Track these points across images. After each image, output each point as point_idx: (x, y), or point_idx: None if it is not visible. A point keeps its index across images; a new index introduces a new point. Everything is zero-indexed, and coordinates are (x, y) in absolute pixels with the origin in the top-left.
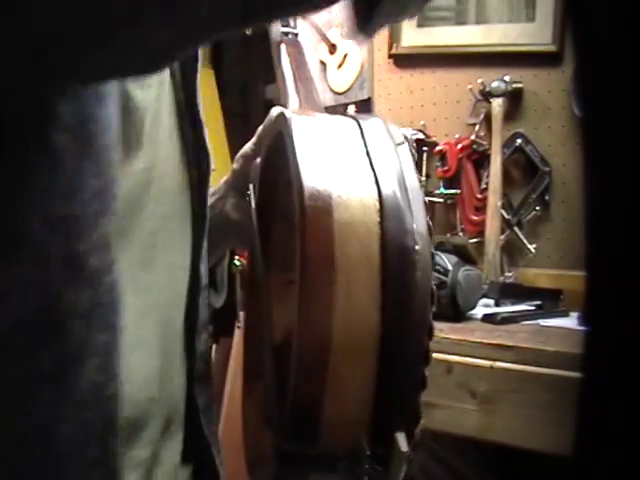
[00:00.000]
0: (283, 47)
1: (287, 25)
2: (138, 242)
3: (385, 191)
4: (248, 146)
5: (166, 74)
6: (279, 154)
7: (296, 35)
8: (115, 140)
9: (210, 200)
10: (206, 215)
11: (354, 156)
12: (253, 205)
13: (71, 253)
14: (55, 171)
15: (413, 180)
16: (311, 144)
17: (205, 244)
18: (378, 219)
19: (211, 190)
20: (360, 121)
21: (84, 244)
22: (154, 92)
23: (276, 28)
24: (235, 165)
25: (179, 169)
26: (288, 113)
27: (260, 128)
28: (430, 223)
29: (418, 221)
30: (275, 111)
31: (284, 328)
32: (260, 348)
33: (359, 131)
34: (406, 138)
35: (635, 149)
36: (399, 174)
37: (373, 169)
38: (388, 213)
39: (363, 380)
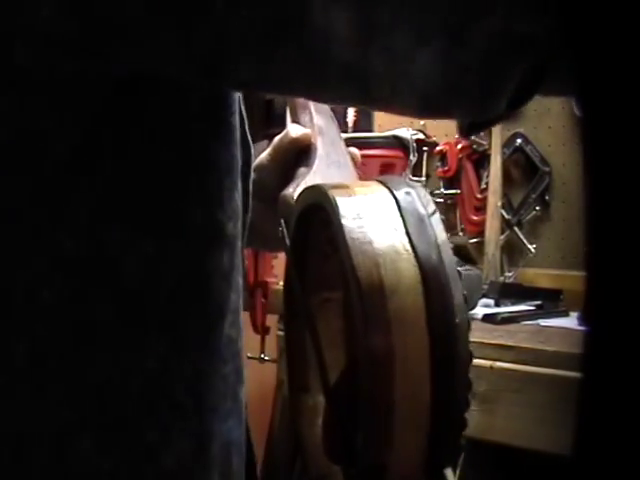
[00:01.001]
0: None
1: None
2: None
3: (428, 270)
4: (264, 158)
5: None
6: (315, 222)
7: None
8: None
9: None
10: (249, 208)
11: (397, 238)
12: (287, 241)
13: (214, 221)
14: (190, 146)
15: (448, 252)
16: (358, 232)
17: (246, 232)
18: (424, 301)
19: None
20: (395, 193)
21: (223, 213)
22: None
23: None
24: (254, 176)
25: None
26: (330, 192)
27: (277, 140)
28: (464, 293)
29: (456, 294)
30: (293, 131)
31: (326, 344)
32: (304, 368)
33: (396, 207)
34: (435, 204)
35: (635, 149)
36: (436, 248)
37: (414, 249)
38: (432, 293)
39: (421, 442)
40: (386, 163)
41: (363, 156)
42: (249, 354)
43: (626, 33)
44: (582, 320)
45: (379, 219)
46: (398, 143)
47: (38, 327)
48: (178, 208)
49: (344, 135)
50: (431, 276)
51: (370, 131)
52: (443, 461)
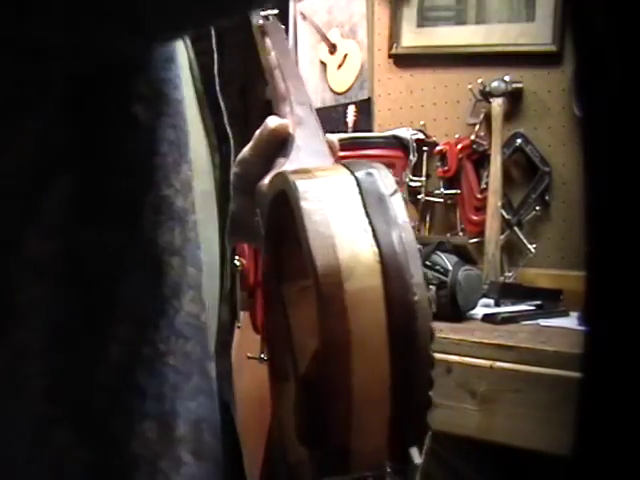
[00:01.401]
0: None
1: (266, 7)
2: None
3: (386, 250)
4: (246, 151)
5: (185, 68)
6: (285, 210)
7: (275, 16)
8: (183, 95)
9: None
10: (230, 197)
11: (356, 219)
12: (262, 232)
13: (161, 197)
14: (137, 128)
15: (408, 231)
16: (317, 215)
17: (228, 222)
18: (382, 281)
19: None
20: (356, 174)
21: (169, 188)
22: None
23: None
24: (236, 169)
25: (206, 152)
26: (291, 177)
27: (257, 133)
28: (424, 270)
29: (415, 272)
30: (271, 122)
31: (305, 332)
32: (284, 356)
33: (357, 188)
34: (398, 183)
35: (635, 149)
36: (395, 228)
37: (373, 229)
38: (390, 273)
39: (382, 423)
40: (386, 163)
41: (363, 156)
42: (249, 354)
43: (626, 33)
44: (582, 320)
45: (339, 201)
46: (398, 143)
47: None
48: (127, 188)
49: (344, 135)
50: (389, 256)
51: (370, 131)
52: (407, 441)
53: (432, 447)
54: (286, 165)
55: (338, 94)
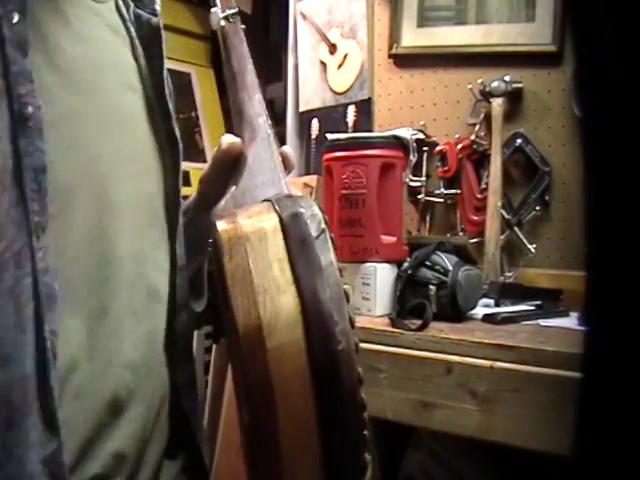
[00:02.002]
0: (228, 35)
1: (227, 6)
2: (130, 215)
3: (308, 300)
4: (206, 171)
5: (135, 76)
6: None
7: (235, 15)
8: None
9: (186, 215)
10: (179, 200)
11: (279, 270)
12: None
13: None
14: None
15: (333, 275)
16: (240, 272)
17: (180, 227)
18: (303, 333)
19: (183, 206)
20: (282, 217)
21: None
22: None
23: (216, 15)
24: (200, 188)
25: (153, 156)
26: (218, 229)
27: (214, 152)
28: (351, 314)
29: (340, 318)
30: (224, 142)
31: None
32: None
33: (281, 234)
34: (325, 222)
35: (634, 149)
36: (320, 274)
37: (296, 279)
38: (311, 325)
39: (313, 465)
40: (386, 163)
41: (363, 156)
42: None
43: (626, 33)
44: (582, 320)
45: (262, 253)
46: (398, 143)
47: None
48: None
49: (344, 135)
50: (311, 306)
51: (370, 131)
52: None
53: (432, 447)
54: (228, 198)
55: (338, 94)
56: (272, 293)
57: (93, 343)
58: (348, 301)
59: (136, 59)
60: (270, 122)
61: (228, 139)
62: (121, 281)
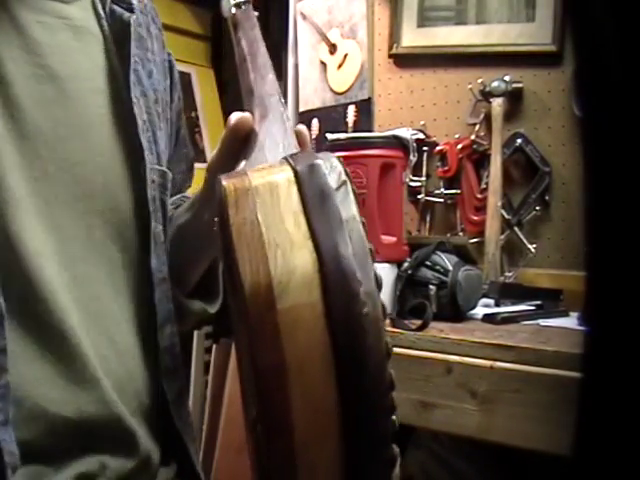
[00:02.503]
0: (239, 23)
1: None
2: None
3: (327, 257)
4: (214, 154)
5: (101, 79)
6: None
7: (247, 2)
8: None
9: (192, 209)
10: (150, 210)
11: (293, 224)
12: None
13: None
14: None
15: (355, 230)
16: (247, 226)
17: (159, 237)
18: (321, 294)
19: (189, 200)
20: (297, 169)
21: None
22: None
23: (227, 2)
24: (207, 177)
25: (120, 166)
26: (224, 185)
27: (222, 137)
28: (377, 273)
29: (364, 277)
30: (233, 118)
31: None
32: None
33: (295, 186)
34: (347, 174)
35: (634, 149)
36: (340, 228)
37: (313, 233)
38: (330, 285)
39: (333, 458)
40: (386, 163)
41: (363, 156)
42: None
43: (626, 33)
44: (582, 320)
45: (274, 207)
46: (398, 143)
47: None
48: None
49: (344, 135)
50: (331, 263)
51: (370, 131)
52: (369, 478)
53: (432, 447)
54: (241, 168)
55: (338, 94)
56: (285, 248)
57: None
58: (374, 260)
59: (109, 59)
60: (283, 101)
61: (237, 114)
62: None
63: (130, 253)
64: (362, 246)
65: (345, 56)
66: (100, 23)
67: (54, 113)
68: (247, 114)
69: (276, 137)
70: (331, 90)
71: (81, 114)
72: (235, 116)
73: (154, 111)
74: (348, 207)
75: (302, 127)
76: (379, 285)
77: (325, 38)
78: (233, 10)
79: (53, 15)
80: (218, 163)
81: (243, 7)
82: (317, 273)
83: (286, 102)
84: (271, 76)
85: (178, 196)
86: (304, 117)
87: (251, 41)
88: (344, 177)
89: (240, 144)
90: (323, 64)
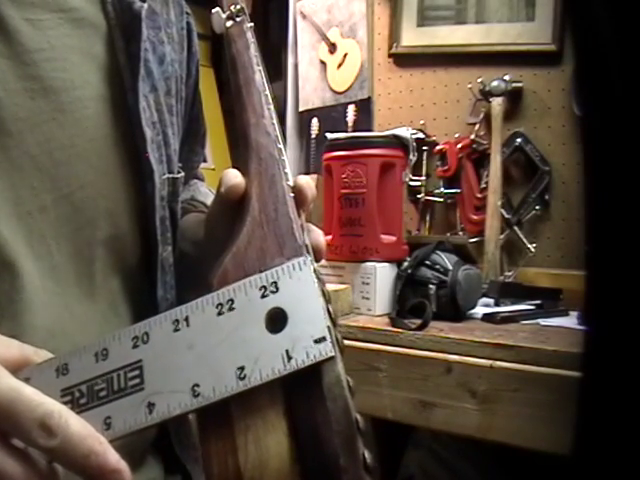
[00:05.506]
0: (232, 38)
1: (231, 3)
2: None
3: (305, 443)
4: (213, 204)
5: (104, 83)
6: None
7: (241, 11)
8: None
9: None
10: (157, 238)
11: (266, 394)
12: None
13: None
14: None
15: (340, 395)
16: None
17: (167, 262)
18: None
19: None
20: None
21: None
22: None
23: (217, 16)
24: (205, 225)
25: (123, 190)
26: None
27: (218, 188)
28: (365, 453)
29: (349, 462)
30: (226, 180)
31: None
32: None
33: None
34: (332, 326)
35: (634, 149)
36: (321, 399)
37: (288, 406)
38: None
39: None
40: (386, 162)
41: (363, 155)
42: None
43: (626, 33)
44: (582, 319)
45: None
46: (398, 142)
47: None
48: None
49: (344, 134)
50: (309, 449)
51: (370, 130)
52: None
53: (432, 447)
54: (231, 256)
55: (338, 93)
56: (256, 431)
57: None
58: (361, 434)
59: (113, 55)
60: (282, 145)
61: (229, 179)
62: None
63: (133, 283)
64: (347, 420)
65: (345, 55)
66: (105, 10)
67: (49, 134)
68: (239, 181)
69: (268, 203)
70: (331, 89)
71: (80, 131)
72: (229, 177)
73: (165, 107)
74: (331, 367)
75: (302, 180)
76: (367, 467)
77: (325, 37)
78: (228, 24)
79: (45, 9)
80: (214, 218)
81: (237, 19)
82: (294, 465)
83: (286, 101)
84: (268, 113)
85: (188, 196)
86: (304, 116)
87: (244, 67)
88: (326, 333)
89: (234, 205)
90: (323, 63)
